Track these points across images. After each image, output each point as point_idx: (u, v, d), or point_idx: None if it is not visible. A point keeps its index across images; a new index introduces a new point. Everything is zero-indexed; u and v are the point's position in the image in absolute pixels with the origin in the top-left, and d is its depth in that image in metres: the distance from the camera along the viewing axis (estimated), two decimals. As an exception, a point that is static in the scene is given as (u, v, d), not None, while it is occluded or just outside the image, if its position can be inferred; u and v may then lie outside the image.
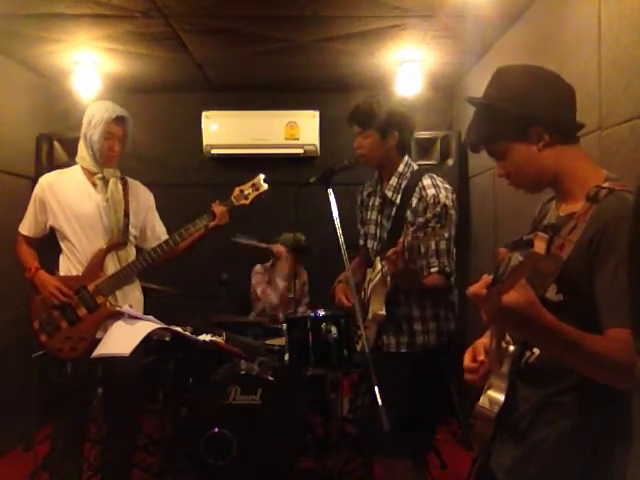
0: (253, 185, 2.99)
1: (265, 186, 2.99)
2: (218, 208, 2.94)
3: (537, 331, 1.26)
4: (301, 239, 4.32)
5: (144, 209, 3.05)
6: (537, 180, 1.52)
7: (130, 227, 2.96)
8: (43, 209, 2.91)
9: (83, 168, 2.95)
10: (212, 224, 2.93)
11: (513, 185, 1.56)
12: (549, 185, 1.53)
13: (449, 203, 2.45)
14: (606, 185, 1.38)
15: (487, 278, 1.25)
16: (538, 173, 1.49)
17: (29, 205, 2.96)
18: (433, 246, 2.43)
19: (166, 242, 2.92)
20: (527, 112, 1.45)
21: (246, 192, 2.98)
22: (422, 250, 2.43)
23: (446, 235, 2.22)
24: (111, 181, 2.92)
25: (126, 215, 2.94)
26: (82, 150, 2.93)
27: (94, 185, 2.92)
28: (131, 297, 2.97)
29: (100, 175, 2.91)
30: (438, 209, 2.33)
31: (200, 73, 4.63)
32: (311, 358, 3.12)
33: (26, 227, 2.96)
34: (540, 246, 1.20)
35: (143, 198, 3.06)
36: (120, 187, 2.94)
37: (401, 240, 2.25)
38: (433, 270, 2.46)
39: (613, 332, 1.29)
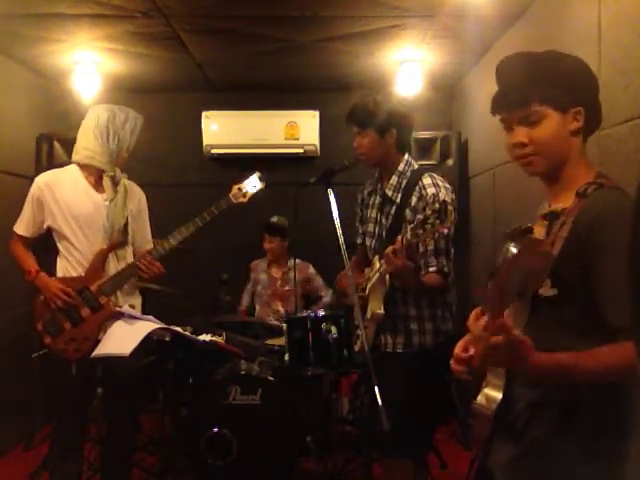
0: (250, 182, 3.03)
1: (262, 184, 3.03)
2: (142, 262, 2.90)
3: (530, 369, 1.28)
4: (276, 221, 4.32)
5: (139, 210, 3.06)
6: (554, 159, 1.48)
7: (129, 226, 2.96)
8: (41, 209, 2.89)
9: (81, 167, 2.92)
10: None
11: (525, 158, 1.49)
12: (555, 169, 1.49)
13: (449, 200, 2.45)
14: (597, 181, 1.39)
15: (478, 311, 1.27)
16: (560, 151, 1.47)
17: (25, 205, 2.93)
18: (432, 245, 2.43)
19: (167, 241, 2.93)
20: (581, 89, 1.47)
21: (244, 190, 3.02)
22: (420, 249, 2.43)
23: (445, 232, 2.22)
24: (122, 181, 2.94)
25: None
26: (94, 147, 2.86)
27: (92, 185, 2.91)
28: (131, 296, 2.97)
29: (112, 174, 2.91)
30: (437, 206, 2.31)
31: (200, 73, 4.63)
32: (311, 358, 3.12)
33: (22, 227, 2.93)
34: (540, 231, 1.20)
35: (138, 199, 3.07)
36: (127, 188, 2.97)
37: (400, 237, 2.25)
38: (431, 269, 2.46)
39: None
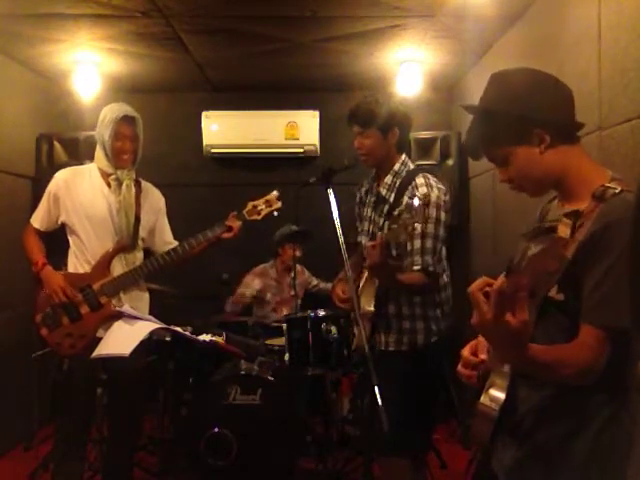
0: (267, 201, 3.01)
1: (279, 204, 3.02)
2: (235, 223, 2.95)
3: (515, 357, 1.28)
4: (294, 228, 4.29)
5: (155, 212, 3.06)
6: (540, 183, 1.51)
7: (140, 229, 2.96)
8: (56, 204, 2.92)
9: (99, 167, 2.96)
10: (226, 236, 2.94)
11: (516, 189, 1.55)
12: (552, 187, 1.52)
13: (439, 202, 2.45)
14: (612, 185, 1.37)
15: (486, 280, 1.25)
16: (541, 176, 1.48)
17: (42, 199, 2.97)
18: (418, 244, 2.42)
19: (174, 250, 2.93)
20: (527, 115, 1.44)
21: (259, 208, 3.00)
22: (408, 247, 2.43)
23: (418, 228, 2.20)
24: (124, 184, 2.92)
25: (137, 218, 2.94)
26: (98, 151, 2.95)
27: (109, 185, 2.93)
28: (137, 300, 2.97)
29: (114, 176, 2.92)
30: (410, 201, 2.22)
31: (200, 73, 4.63)
32: (311, 358, 3.12)
33: (38, 220, 2.96)
34: (564, 231, 1.17)
35: (154, 201, 3.08)
36: (133, 190, 2.95)
37: (380, 234, 2.26)
38: (415, 268, 2.44)
39: (586, 330, 1.32)
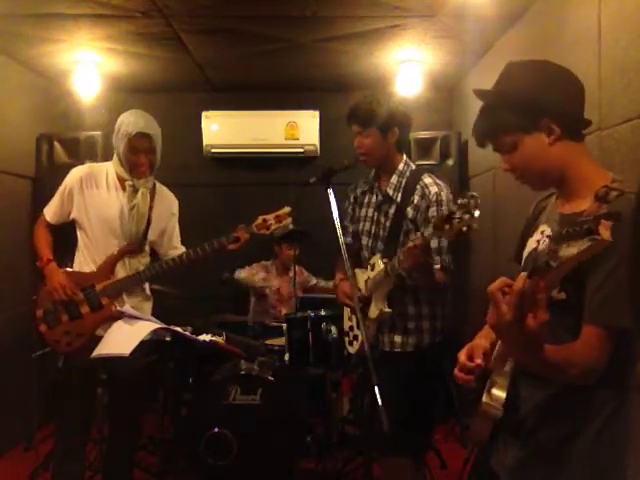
0: (277, 217, 2.95)
1: (289, 220, 2.96)
2: (243, 235, 2.92)
3: (530, 358, 1.28)
4: (291, 227, 4.26)
5: (166, 216, 3.06)
6: (543, 176, 1.50)
7: (149, 232, 2.97)
8: (70, 200, 2.92)
9: (116, 171, 2.96)
10: (232, 247, 2.92)
11: (518, 180, 1.54)
12: (554, 182, 1.51)
13: (449, 201, 2.46)
14: (615, 186, 1.37)
15: (505, 280, 1.24)
16: (544, 169, 1.48)
17: (57, 192, 2.97)
18: (435, 244, 2.43)
19: (180, 257, 2.92)
20: (539, 103, 1.44)
21: (269, 222, 2.95)
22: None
23: (475, 226, 2.15)
24: (140, 192, 2.91)
25: (147, 222, 2.95)
26: (115, 156, 2.95)
27: (124, 189, 2.93)
28: (138, 304, 2.97)
29: (130, 182, 2.92)
30: (465, 200, 2.03)
31: (200, 73, 4.63)
32: (311, 358, 3.12)
33: (50, 213, 2.97)
34: (605, 233, 1.15)
35: (168, 205, 3.08)
36: (148, 198, 2.94)
37: (419, 234, 2.23)
38: (436, 267, 2.47)
39: (588, 329, 1.33)
